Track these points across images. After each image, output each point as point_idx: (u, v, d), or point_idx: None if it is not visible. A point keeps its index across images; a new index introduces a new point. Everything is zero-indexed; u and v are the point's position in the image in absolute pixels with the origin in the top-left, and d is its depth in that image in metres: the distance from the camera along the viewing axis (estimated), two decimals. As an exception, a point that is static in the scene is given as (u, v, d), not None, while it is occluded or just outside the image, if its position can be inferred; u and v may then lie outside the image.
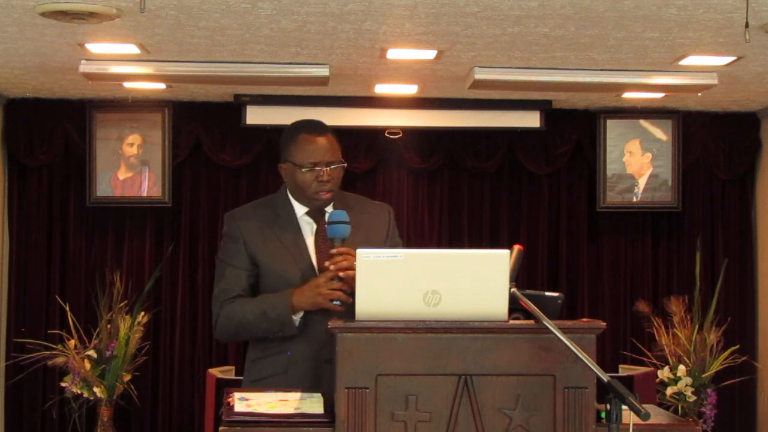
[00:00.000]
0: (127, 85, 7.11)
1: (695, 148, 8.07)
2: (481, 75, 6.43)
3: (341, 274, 3.41)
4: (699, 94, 7.10)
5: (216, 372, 6.55)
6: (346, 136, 7.78)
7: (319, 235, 3.62)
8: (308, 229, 3.64)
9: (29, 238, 7.80)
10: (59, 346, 7.00)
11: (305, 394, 3.19)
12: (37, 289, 7.77)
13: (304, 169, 3.58)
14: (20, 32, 5.55)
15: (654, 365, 7.11)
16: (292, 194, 3.68)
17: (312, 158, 3.60)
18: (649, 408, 2.91)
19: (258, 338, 3.66)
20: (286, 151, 3.66)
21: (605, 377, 2.70)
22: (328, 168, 3.58)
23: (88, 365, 6.90)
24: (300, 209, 3.66)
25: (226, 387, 4.33)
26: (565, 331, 2.84)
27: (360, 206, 3.71)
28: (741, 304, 8.11)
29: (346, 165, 3.67)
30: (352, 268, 3.27)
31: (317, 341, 3.50)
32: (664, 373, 7.05)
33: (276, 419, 3.00)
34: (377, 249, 3.16)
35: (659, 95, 7.36)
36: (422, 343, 2.92)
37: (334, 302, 3.44)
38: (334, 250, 3.44)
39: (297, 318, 3.52)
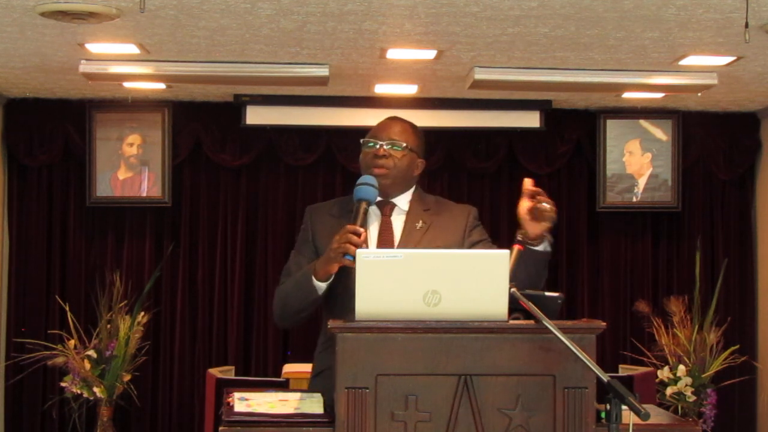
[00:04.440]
0: (127, 85, 7.11)
1: (695, 148, 8.07)
2: (481, 75, 6.43)
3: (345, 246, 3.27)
4: (699, 94, 7.10)
5: (216, 372, 6.55)
6: (346, 136, 7.87)
7: (384, 224, 3.56)
8: (374, 218, 3.57)
9: (29, 238, 7.80)
10: (59, 346, 7.00)
11: (305, 394, 3.19)
12: (37, 289, 7.77)
13: (364, 143, 3.59)
14: (20, 32, 5.55)
15: (654, 365, 7.11)
16: None
17: (374, 133, 3.60)
18: (649, 408, 2.91)
19: (299, 313, 3.52)
20: None
21: (605, 377, 2.70)
22: (385, 143, 3.55)
23: (88, 365, 6.90)
24: None
25: (226, 387, 4.34)
26: (565, 331, 2.84)
27: (438, 207, 3.65)
28: (741, 304, 8.11)
29: (418, 157, 3.61)
30: (358, 245, 3.22)
31: None
32: (664, 373, 7.04)
33: (276, 419, 3.00)
34: (377, 249, 3.16)
35: (659, 95, 7.36)
36: (422, 343, 2.92)
37: (346, 257, 3.26)
38: (349, 226, 3.31)
39: (320, 284, 3.38)
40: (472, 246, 3.54)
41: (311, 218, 3.65)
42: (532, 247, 3.33)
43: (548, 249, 3.37)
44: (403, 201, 3.62)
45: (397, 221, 3.58)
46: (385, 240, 3.54)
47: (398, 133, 3.59)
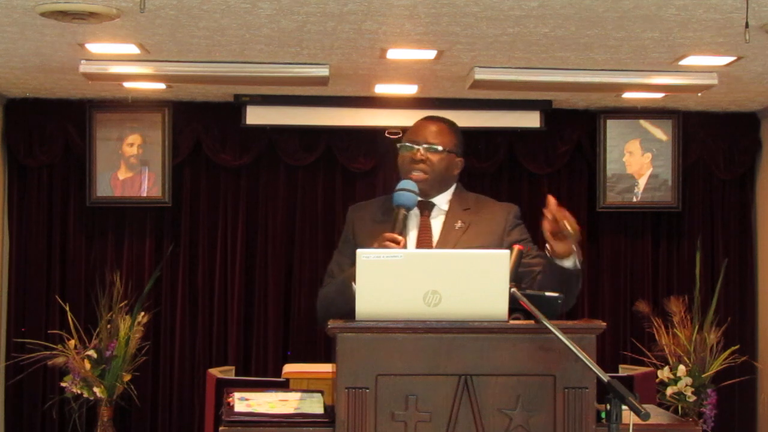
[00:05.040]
0: (127, 85, 7.11)
1: (695, 148, 8.07)
2: (481, 75, 6.43)
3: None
4: (699, 94, 7.10)
5: (216, 372, 6.55)
6: (346, 136, 7.88)
7: (423, 225, 3.55)
8: (414, 221, 3.55)
9: (29, 238, 7.80)
10: (59, 346, 7.00)
11: (305, 394, 3.20)
12: (37, 289, 7.77)
13: (402, 147, 3.56)
14: (20, 32, 5.55)
15: (654, 365, 7.11)
16: None
17: (411, 136, 3.57)
18: (649, 408, 2.91)
19: (342, 317, 3.38)
20: None
21: (605, 377, 2.70)
22: (422, 147, 3.53)
23: (88, 365, 6.90)
24: None
25: (226, 387, 4.34)
26: (565, 331, 2.84)
27: (479, 206, 3.62)
28: (741, 304, 8.10)
29: (456, 156, 3.58)
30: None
31: None
32: (664, 373, 7.04)
33: (276, 419, 3.00)
34: (377, 249, 3.16)
35: (659, 95, 7.36)
36: (422, 343, 2.92)
37: None
38: (387, 234, 3.32)
39: None
40: (510, 246, 3.46)
41: (353, 218, 3.64)
42: (558, 263, 3.27)
43: (577, 266, 3.29)
44: (442, 201, 3.60)
45: (436, 222, 3.56)
46: (423, 241, 3.52)
47: (435, 135, 3.57)
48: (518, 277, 3.31)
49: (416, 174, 3.52)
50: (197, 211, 7.95)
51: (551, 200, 3.22)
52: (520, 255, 3.32)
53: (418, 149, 3.54)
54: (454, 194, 3.62)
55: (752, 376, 7.87)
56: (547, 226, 3.22)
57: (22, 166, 7.78)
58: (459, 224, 3.54)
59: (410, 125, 3.69)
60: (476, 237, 3.49)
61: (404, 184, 3.47)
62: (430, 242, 3.52)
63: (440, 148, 3.55)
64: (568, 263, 3.27)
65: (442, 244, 3.50)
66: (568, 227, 3.18)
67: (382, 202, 3.63)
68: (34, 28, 5.43)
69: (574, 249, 3.26)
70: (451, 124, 3.65)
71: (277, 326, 7.93)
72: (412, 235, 3.53)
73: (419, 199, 3.52)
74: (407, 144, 3.57)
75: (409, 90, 7.37)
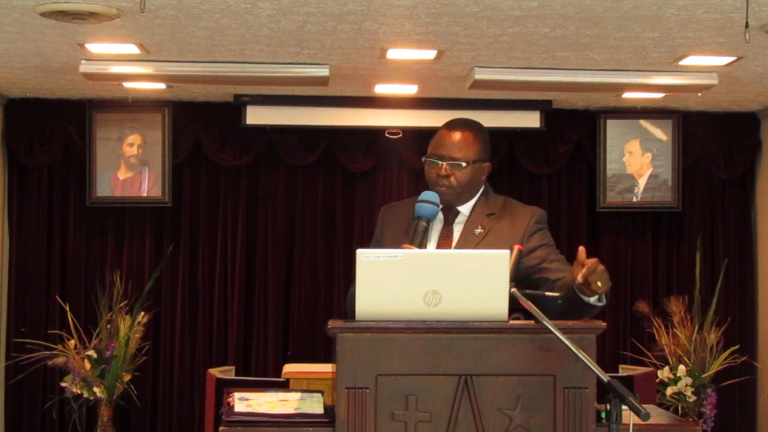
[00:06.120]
0: (127, 85, 7.11)
1: (695, 148, 8.07)
2: (481, 75, 6.43)
3: None
4: (699, 94, 7.10)
5: (216, 372, 6.55)
6: (346, 136, 7.88)
7: (444, 231, 3.53)
8: (438, 227, 3.54)
9: (29, 238, 7.80)
10: (59, 346, 7.00)
11: (305, 394, 3.20)
12: (37, 289, 7.77)
13: (426, 161, 3.54)
14: (20, 32, 5.55)
15: (654, 365, 7.11)
16: None
17: (435, 150, 3.53)
18: (649, 408, 2.91)
19: None
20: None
21: (605, 377, 2.70)
22: (446, 163, 3.49)
23: (88, 365, 6.90)
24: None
25: (226, 387, 4.34)
26: (565, 331, 2.84)
27: (503, 211, 3.58)
28: (741, 304, 8.10)
29: (483, 163, 3.54)
30: None
31: None
32: (664, 373, 7.04)
33: (276, 419, 3.01)
34: (377, 249, 3.16)
35: (659, 95, 7.36)
36: (422, 343, 2.92)
37: None
38: (405, 245, 3.31)
39: None
40: (529, 253, 3.44)
41: (383, 219, 3.63)
42: (583, 298, 3.17)
43: (603, 302, 3.19)
44: (466, 207, 3.57)
45: (458, 228, 3.54)
46: (443, 247, 3.50)
47: (459, 147, 3.51)
48: (534, 282, 3.30)
49: (441, 188, 3.50)
50: (197, 211, 7.95)
51: (582, 251, 3.16)
52: (520, 255, 3.32)
53: (442, 165, 3.50)
54: (480, 199, 3.59)
55: (752, 376, 7.87)
56: (579, 278, 3.13)
57: (22, 166, 7.79)
58: (479, 230, 3.51)
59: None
60: (494, 243, 3.42)
61: (426, 195, 3.46)
62: (449, 248, 3.49)
63: (464, 164, 3.50)
64: (593, 299, 3.17)
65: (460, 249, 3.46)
66: (599, 284, 3.11)
67: (413, 204, 3.59)
68: (34, 28, 5.43)
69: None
70: (476, 130, 3.58)
71: (277, 326, 7.93)
72: (434, 242, 3.51)
73: (442, 206, 3.51)
74: (431, 159, 3.53)
75: (409, 90, 7.37)
